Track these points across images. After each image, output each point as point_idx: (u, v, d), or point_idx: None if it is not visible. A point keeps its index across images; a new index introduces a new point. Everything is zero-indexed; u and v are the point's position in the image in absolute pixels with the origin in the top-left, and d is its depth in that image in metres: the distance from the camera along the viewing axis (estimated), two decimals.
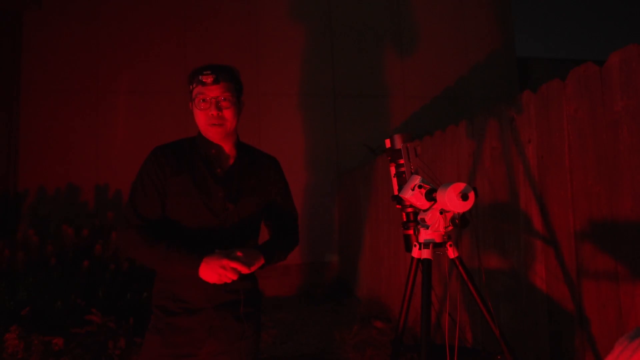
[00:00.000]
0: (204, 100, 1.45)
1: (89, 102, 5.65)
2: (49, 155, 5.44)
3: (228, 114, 1.48)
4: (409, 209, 1.58)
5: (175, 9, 6.00)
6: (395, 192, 1.59)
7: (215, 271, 1.35)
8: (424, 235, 1.51)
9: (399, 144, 1.58)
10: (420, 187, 1.45)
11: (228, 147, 1.54)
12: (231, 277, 1.36)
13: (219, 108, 1.46)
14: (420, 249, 1.52)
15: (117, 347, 3.16)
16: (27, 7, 5.57)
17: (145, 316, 1.54)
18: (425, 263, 1.49)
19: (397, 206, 1.60)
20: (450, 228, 1.48)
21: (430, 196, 1.42)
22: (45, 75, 5.58)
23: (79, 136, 5.55)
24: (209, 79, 1.43)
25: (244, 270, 1.37)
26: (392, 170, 1.62)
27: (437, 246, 1.51)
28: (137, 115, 5.73)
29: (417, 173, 1.53)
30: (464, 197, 1.32)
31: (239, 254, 1.38)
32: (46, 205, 5.32)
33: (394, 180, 1.61)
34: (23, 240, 4.05)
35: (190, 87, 1.50)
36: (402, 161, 1.57)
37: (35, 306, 3.40)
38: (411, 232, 1.58)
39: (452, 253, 1.54)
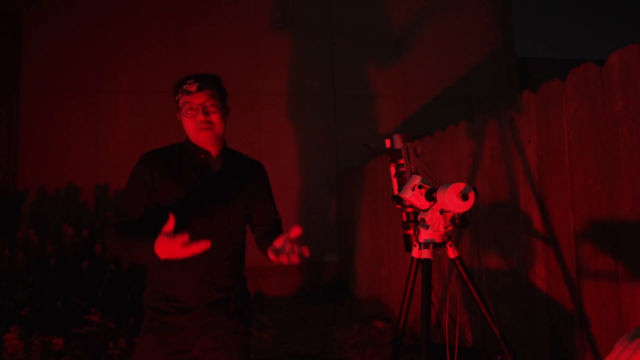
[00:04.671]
0: (191, 108, 1.50)
1: (88, 102, 5.65)
2: (49, 155, 5.43)
3: (215, 117, 1.52)
4: (409, 209, 1.59)
5: (175, 8, 6.00)
6: (395, 192, 1.59)
7: (169, 245, 1.26)
8: (424, 235, 1.51)
9: (399, 144, 1.58)
10: (420, 187, 1.45)
11: (216, 152, 1.59)
12: (184, 241, 1.24)
13: (206, 113, 1.50)
14: (420, 249, 1.52)
15: (117, 347, 3.16)
16: (27, 7, 5.57)
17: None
18: (425, 263, 1.49)
19: (397, 206, 1.60)
20: (450, 228, 1.48)
21: (430, 196, 1.42)
22: (45, 75, 5.57)
23: (78, 136, 5.55)
24: (192, 87, 1.49)
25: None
26: (392, 170, 1.62)
27: (437, 246, 1.51)
28: (136, 115, 5.73)
29: (417, 173, 1.53)
30: (464, 197, 1.32)
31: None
32: (46, 205, 5.32)
33: (394, 180, 1.61)
34: (23, 240, 4.05)
35: (176, 97, 1.54)
36: (402, 161, 1.57)
37: (35, 306, 3.40)
38: (411, 232, 1.58)
39: (452, 253, 1.54)
